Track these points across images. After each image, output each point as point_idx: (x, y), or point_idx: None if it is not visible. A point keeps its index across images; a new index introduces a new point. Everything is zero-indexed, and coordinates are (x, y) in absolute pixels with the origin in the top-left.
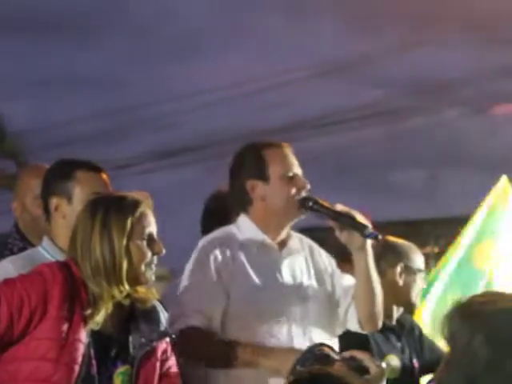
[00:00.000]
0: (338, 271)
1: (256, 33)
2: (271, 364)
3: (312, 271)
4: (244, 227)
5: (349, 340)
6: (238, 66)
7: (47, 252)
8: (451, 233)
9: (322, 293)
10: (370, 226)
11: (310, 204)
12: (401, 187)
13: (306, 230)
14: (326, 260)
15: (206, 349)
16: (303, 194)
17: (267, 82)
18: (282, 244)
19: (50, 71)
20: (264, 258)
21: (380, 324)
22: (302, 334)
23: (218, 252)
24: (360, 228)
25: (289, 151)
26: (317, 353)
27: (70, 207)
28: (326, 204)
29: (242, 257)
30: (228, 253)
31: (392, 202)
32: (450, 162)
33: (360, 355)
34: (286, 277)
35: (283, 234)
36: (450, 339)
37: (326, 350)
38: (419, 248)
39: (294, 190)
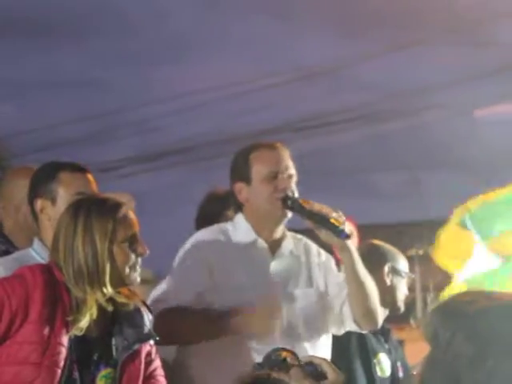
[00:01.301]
0: (334, 270)
1: (240, 36)
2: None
3: (304, 272)
4: (239, 226)
5: (348, 339)
6: (222, 69)
7: (37, 254)
8: (435, 235)
9: (312, 293)
10: (342, 225)
11: (289, 203)
12: (383, 190)
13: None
14: (323, 259)
15: (174, 326)
16: (284, 193)
17: (251, 85)
18: (275, 244)
19: (34, 73)
20: (253, 258)
21: (379, 322)
22: (287, 335)
23: (209, 243)
24: (331, 228)
25: (278, 152)
26: (273, 358)
27: (55, 209)
28: (304, 203)
29: (232, 254)
30: (219, 247)
31: (375, 205)
32: (433, 164)
33: (318, 360)
34: (274, 277)
35: (276, 235)
36: (433, 338)
37: (284, 354)
38: (403, 251)
39: (274, 190)
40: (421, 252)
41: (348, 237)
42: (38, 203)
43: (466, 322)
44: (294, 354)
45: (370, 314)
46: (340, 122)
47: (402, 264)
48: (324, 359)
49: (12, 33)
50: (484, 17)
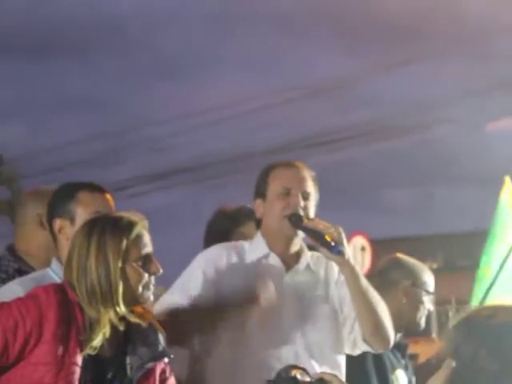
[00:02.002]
0: None
1: (249, 53)
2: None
3: (321, 287)
4: (256, 242)
5: (365, 358)
6: (231, 87)
7: (55, 274)
8: (448, 248)
9: (327, 309)
10: (337, 240)
11: (292, 220)
12: (396, 205)
13: None
14: (342, 277)
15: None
16: (293, 210)
17: (260, 102)
18: (292, 259)
19: (41, 94)
20: (265, 272)
21: (391, 341)
22: (301, 352)
23: (221, 256)
24: (325, 243)
25: (296, 170)
26: (283, 375)
27: (73, 228)
28: (307, 220)
29: (241, 267)
30: (231, 259)
31: (388, 220)
32: (444, 179)
33: (328, 377)
34: (286, 291)
35: (292, 250)
36: (454, 353)
37: (295, 371)
38: None
39: (284, 207)
40: (434, 266)
41: (341, 253)
42: (57, 223)
43: (489, 337)
44: (305, 370)
45: (379, 331)
46: (352, 137)
47: (425, 280)
48: (335, 376)
49: (20, 52)
50: (491, 29)
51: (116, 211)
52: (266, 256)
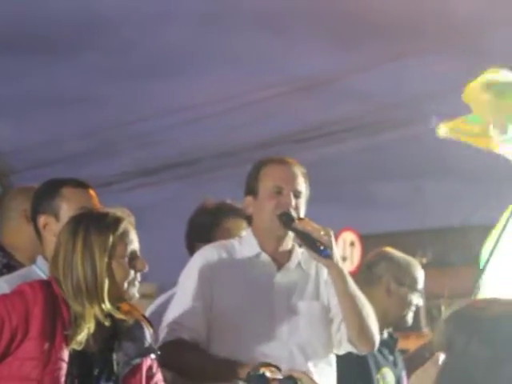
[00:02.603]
0: None
1: (237, 49)
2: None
3: (311, 285)
4: (245, 240)
5: (349, 359)
6: (219, 83)
7: (41, 271)
8: (438, 243)
9: (317, 306)
10: (326, 243)
11: (284, 220)
12: (385, 199)
13: None
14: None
15: (184, 359)
16: (284, 209)
17: (248, 98)
18: (283, 258)
19: (33, 89)
20: (257, 271)
21: (376, 343)
22: (295, 350)
23: (213, 257)
24: (312, 246)
25: (287, 167)
26: (251, 373)
27: (59, 224)
28: (298, 221)
29: (233, 269)
30: (223, 259)
31: (377, 215)
32: (433, 173)
33: (298, 374)
34: (278, 289)
35: (283, 248)
36: (447, 346)
37: (263, 369)
38: None
39: (276, 206)
40: (424, 260)
41: (329, 256)
42: (42, 219)
43: (482, 326)
44: (277, 367)
45: (364, 334)
46: (339, 132)
47: (413, 274)
48: (304, 373)
49: (9, 50)
50: (477, 26)
51: (103, 207)
52: (258, 255)
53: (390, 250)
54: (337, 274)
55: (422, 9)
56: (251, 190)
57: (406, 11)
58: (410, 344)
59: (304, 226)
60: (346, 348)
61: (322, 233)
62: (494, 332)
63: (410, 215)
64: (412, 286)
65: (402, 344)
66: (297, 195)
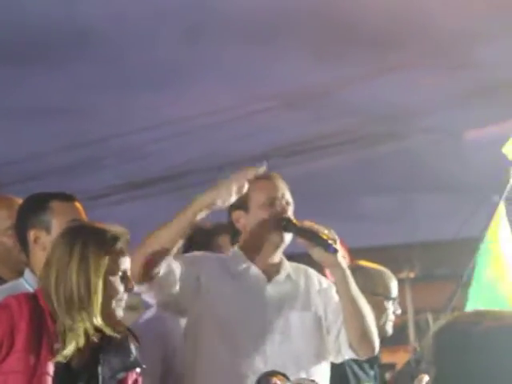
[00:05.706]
0: (335, 297)
1: (225, 63)
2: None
3: (302, 296)
4: (233, 256)
5: (332, 372)
6: (207, 96)
7: (29, 284)
8: (426, 257)
9: (309, 317)
10: (331, 241)
11: (284, 224)
12: (373, 213)
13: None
14: (324, 286)
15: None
16: (280, 216)
17: (238, 111)
18: (273, 270)
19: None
20: (247, 285)
21: (376, 348)
22: (288, 362)
23: (211, 256)
24: (320, 242)
25: (275, 181)
26: (262, 383)
27: (49, 238)
28: (296, 223)
29: (228, 278)
30: (218, 265)
31: (365, 228)
32: (422, 187)
33: (307, 383)
34: (269, 302)
35: (272, 261)
36: (436, 359)
37: (274, 378)
38: (394, 273)
39: (269, 216)
40: (412, 275)
41: (337, 251)
42: (31, 234)
43: (474, 342)
44: (285, 376)
45: (366, 337)
46: (327, 146)
47: (386, 284)
48: (313, 381)
49: None
50: (466, 39)
51: (94, 221)
52: (247, 268)
53: (362, 262)
54: (340, 273)
55: (409, 23)
56: (240, 205)
57: (394, 26)
58: (398, 358)
59: (308, 224)
60: (345, 355)
61: (327, 231)
62: (485, 347)
63: (398, 229)
64: (386, 295)
65: (389, 358)
66: (288, 205)
